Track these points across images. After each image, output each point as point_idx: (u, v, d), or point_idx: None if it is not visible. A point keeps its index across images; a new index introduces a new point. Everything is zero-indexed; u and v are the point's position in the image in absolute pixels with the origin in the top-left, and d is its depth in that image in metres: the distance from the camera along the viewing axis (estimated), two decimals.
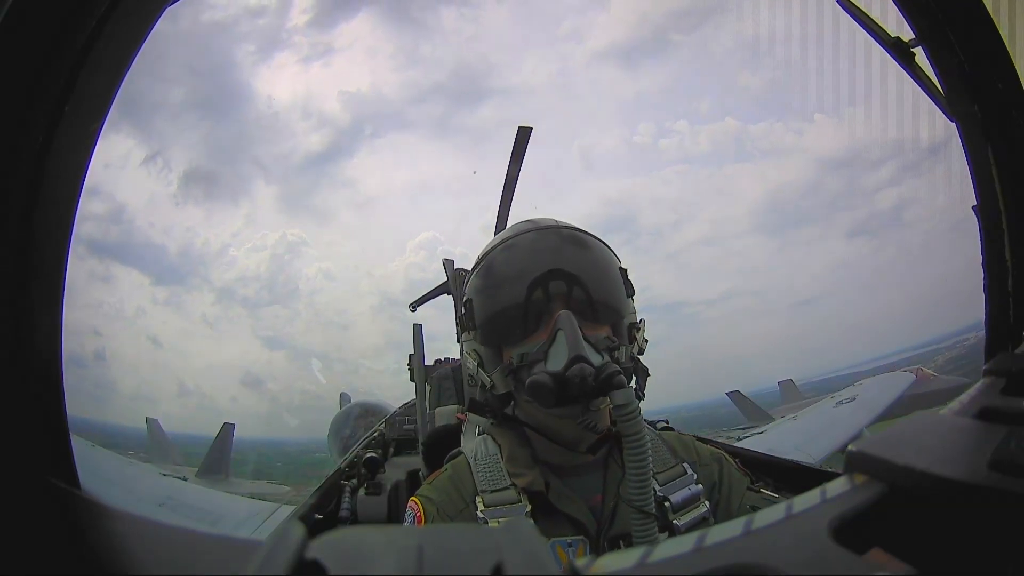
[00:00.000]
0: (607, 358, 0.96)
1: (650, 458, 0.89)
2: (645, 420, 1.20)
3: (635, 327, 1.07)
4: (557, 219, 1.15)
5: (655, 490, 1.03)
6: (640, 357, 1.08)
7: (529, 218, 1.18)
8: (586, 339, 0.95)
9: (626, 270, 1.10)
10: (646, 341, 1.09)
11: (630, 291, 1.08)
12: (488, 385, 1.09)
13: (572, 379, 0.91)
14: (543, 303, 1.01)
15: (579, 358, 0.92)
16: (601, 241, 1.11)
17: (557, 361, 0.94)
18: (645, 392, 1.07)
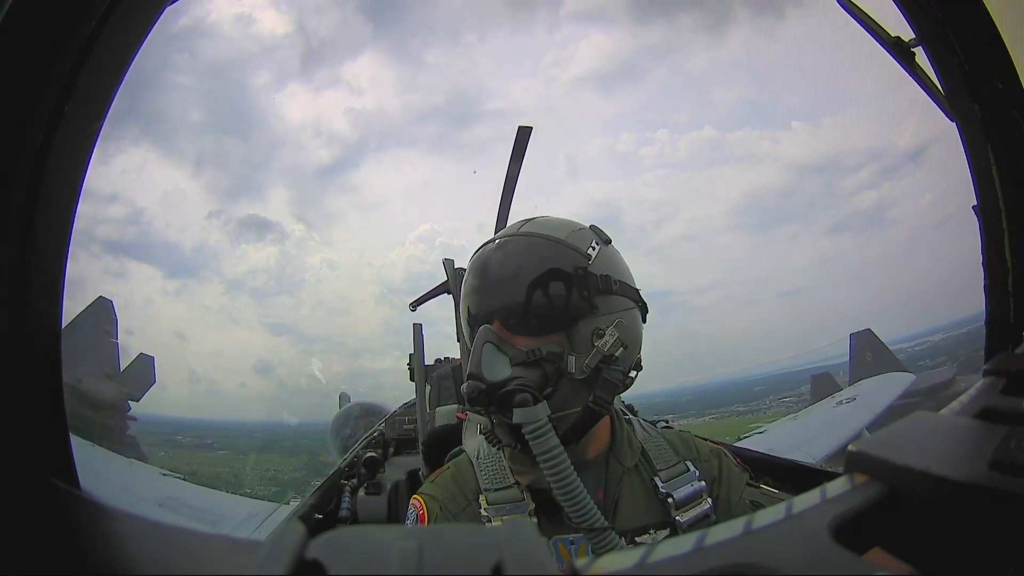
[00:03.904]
0: (519, 373, 0.93)
1: (572, 474, 0.89)
2: (644, 419, 1.20)
3: (597, 332, 0.98)
4: (539, 219, 1.10)
5: (659, 486, 1.05)
6: (605, 365, 0.98)
7: (529, 217, 1.16)
8: (504, 352, 0.95)
9: (584, 271, 0.99)
10: (623, 347, 0.99)
11: (595, 291, 0.98)
12: None
13: (466, 395, 0.94)
14: (482, 316, 1.02)
15: (473, 376, 0.94)
16: (561, 241, 1.02)
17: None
18: (610, 400, 0.98)
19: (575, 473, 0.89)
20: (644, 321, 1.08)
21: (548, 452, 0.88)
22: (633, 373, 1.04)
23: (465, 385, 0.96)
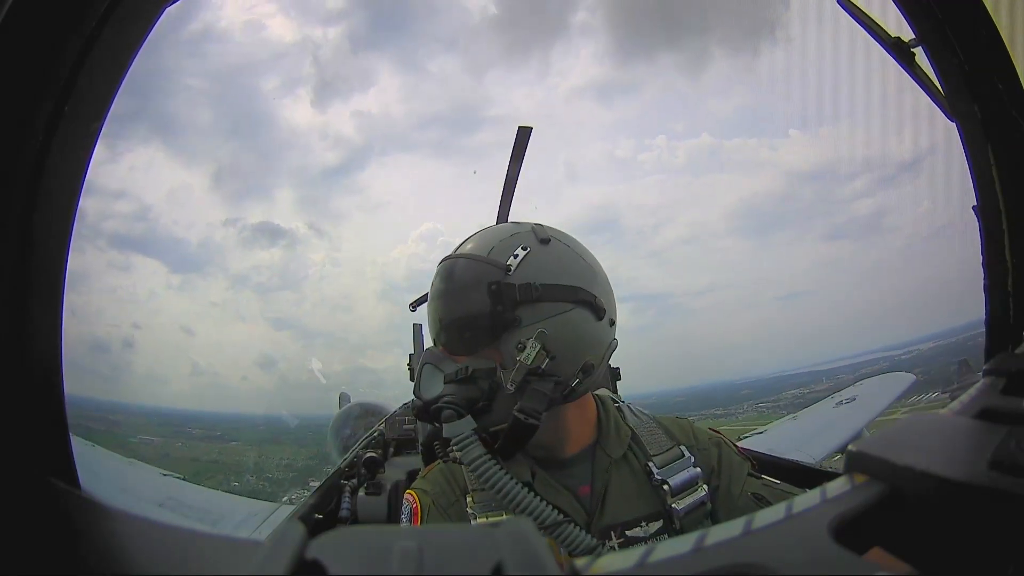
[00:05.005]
0: (450, 390, 0.98)
1: (501, 479, 0.93)
2: (633, 408, 1.19)
3: (519, 345, 0.96)
4: (478, 233, 1.11)
5: (653, 473, 1.05)
6: (534, 377, 0.95)
7: (517, 219, 1.16)
8: (441, 370, 1.02)
9: (499, 284, 0.97)
10: (550, 357, 0.95)
11: (500, 309, 0.96)
12: None
13: (412, 412, 1.06)
14: (433, 337, 1.11)
15: (415, 393, 1.04)
16: (478, 259, 1.02)
17: None
18: (540, 411, 0.95)
19: (506, 477, 0.94)
20: (601, 318, 1.02)
21: (473, 462, 0.93)
22: (577, 380, 0.99)
23: (413, 401, 1.05)
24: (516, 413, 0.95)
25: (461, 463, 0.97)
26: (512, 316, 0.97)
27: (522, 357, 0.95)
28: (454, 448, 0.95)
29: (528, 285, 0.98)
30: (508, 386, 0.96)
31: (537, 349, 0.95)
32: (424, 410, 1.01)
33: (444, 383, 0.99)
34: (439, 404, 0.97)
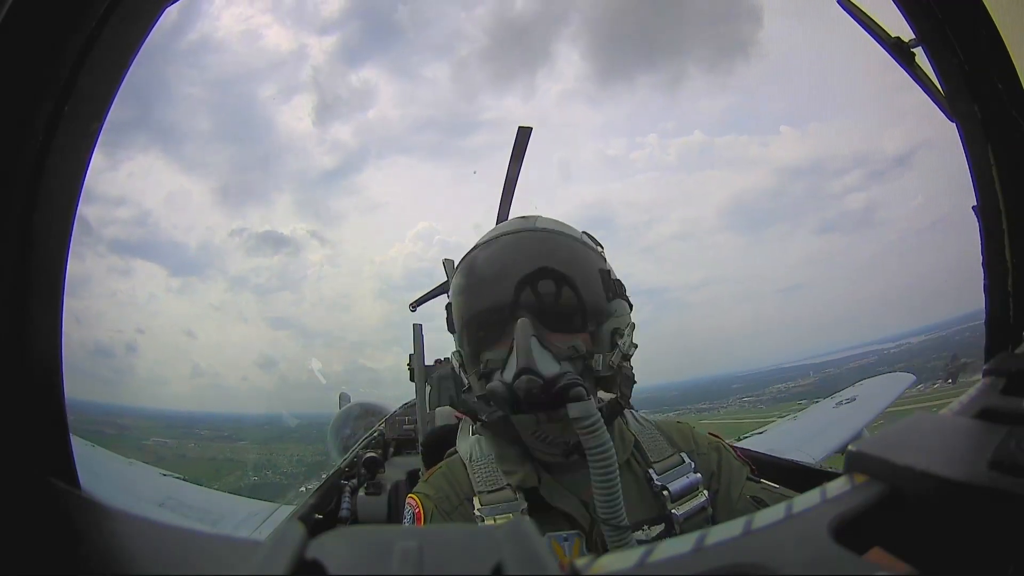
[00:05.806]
0: (567, 368, 0.91)
1: (616, 470, 0.88)
2: (636, 415, 1.19)
3: (618, 332, 1.01)
4: (543, 217, 1.11)
5: (653, 479, 1.05)
6: (625, 364, 1.04)
7: (524, 214, 1.15)
8: (547, 347, 0.92)
9: (609, 271, 1.04)
10: (635, 346, 1.06)
11: (613, 294, 1.02)
12: (466, 386, 1.10)
13: (518, 391, 0.89)
14: (510, 309, 0.96)
15: (526, 370, 0.89)
16: (583, 241, 1.07)
17: (510, 371, 0.91)
18: (630, 400, 1.02)
19: (618, 469, 0.89)
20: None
21: (601, 446, 0.86)
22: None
23: (523, 379, 0.89)
24: (620, 400, 1.00)
25: (587, 448, 0.87)
26: (609, 307, 1.02)
27: (621, 343, 1.01)
28: (582, 430, 0.86)
29: (619, 281, 1.05)
30: (607, 369, 0.99)
31: (631, 338, 1.03)
32: (546, 389, 0.88)
33: (557, 360, 0.92)
34: (567, 382, 0.87)
